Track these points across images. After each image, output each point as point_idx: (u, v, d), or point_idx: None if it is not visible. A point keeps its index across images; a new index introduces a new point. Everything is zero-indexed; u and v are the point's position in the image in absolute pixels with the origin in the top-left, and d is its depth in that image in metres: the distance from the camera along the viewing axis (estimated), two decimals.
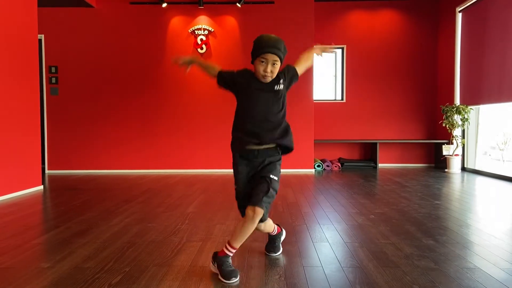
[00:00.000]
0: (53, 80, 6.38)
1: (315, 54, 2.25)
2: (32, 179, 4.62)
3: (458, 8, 6.45)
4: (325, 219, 3.14)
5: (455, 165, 6.14)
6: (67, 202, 3.89)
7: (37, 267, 2.09)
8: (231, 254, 1.97)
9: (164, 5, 6.30)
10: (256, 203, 1.92)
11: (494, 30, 5.58)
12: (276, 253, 2.29)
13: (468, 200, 4.03)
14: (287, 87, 2.10)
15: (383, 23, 7.14)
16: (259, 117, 2.04)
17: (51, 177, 5.89)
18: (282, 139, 2.06)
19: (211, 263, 2.02)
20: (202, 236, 2.67)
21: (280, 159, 2.11)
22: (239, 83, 2.12)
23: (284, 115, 2.10)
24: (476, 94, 6.02)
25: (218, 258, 1.96)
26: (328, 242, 2.53)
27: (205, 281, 1.89)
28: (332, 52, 2.23)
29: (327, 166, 6.72)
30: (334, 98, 7.30)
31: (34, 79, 4.66)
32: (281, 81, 2.06)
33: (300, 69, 2.17)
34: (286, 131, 2.08)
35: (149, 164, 6.42)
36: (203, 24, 6.37)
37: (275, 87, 2.05)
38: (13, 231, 2.83)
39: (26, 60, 4.51)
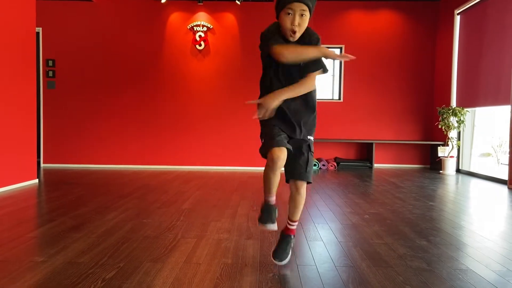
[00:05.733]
0: (50, 73, 6.35)
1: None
2: (27, 172, 4.60)
3: (456, 10, 6.47)
4: (320, 218, 3.15)
5: (450, 167, 6.17)
6: (62, 196, 3.88)
7: (31, 261, 2.09)
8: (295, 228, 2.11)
9: (163, 0, 6.28)
10: (305, 178, 1.96)
11: (491, 33, 5.61)
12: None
13: (462, 202, 4.05)
14: None
15: (381, 23, 7.15)
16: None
17: (47, 170, 5.87)
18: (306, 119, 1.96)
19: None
20: (197, 232, 2.67)
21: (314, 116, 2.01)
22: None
23: (314, 96, 1.96)
24: (473, 97, 6.05)
25: (283, 235, 2.09)
26: (322, 241, 2.54)
27: (199, 277, 1.90)
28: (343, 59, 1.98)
29: (323, 165, 6.73)
30: (331, 98, 7.31)
31: (31, 72, 4.64)
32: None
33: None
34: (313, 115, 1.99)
35: (146, 159, 6.41)
36: (202, 20, 6.36)
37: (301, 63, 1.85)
38: (7, 225, 2.82)
39: (23, 53, 4.48)
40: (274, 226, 1.94)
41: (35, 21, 4.70)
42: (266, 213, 1.94)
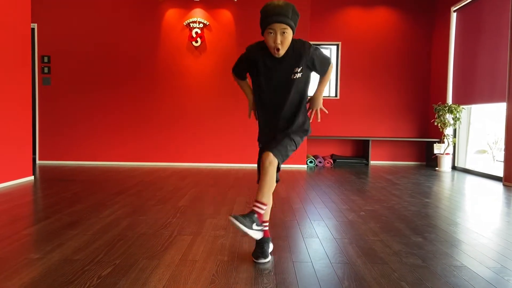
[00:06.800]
0: (46, 70, 6.32)
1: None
2: (23, 169, 4.58)
3: (453, 7, 6.48)
4: (316, 215, 3.16)
5: (445, 164, 6.20)
6: (57, 193, 3.87)
7: (26, 258, 2.08)
8: (262, 212, 1.91)
9: None
10: (270, 149, 1.94)
11: (487, 31, 5.62)
12: (264, 259, 2.07)
13: (458, 199, 4.07)
14: (308, 74, 2.04)
15: (378, 20, 7.15)
16: (271, 104, 2.05)
17: (42, 167, 5.85)
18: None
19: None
20: (193, 230, 2.67)
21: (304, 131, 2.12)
22: (256, 62, 2.02)
23: (302, 106, 2.06)
24: (468, 94, 6.07)
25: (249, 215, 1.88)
26: (318, 238, 2.55)
27: (195, 274, 1.90)
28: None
29: (319, 162, 6.74)
30: (328, 95, 7.31)
31: (26, 69, 4.61)
32: (300, 69, 1.98)
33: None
34: (301, 125, 2.09)
35: (142, 156, 6.40)
36: (198, 17, 6.33)
37: (292, 75, 1.97)
38: (3, 222, 2.81)
39: (18, 49, 4.45)
40: (265, 260, 2.06)
41: (30, 17, 4.67)
42: (258, 247, 2.09)
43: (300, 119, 2.07)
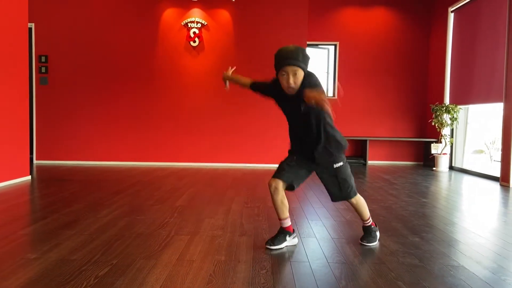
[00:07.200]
0: (43, 69, 6.30)
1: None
2: (20, 169, 4.57)
3: (450, 8, 6.49)
4: (314, 215, 3.16)
5: (443, 164, 6.21)
6: (55, 193, 3.86)
7: (23, 258, 2.08)
8: (370, 222, 2.46)
9: None
10: (338, 199, 2.38)
11: (485, 31, 5.63)
12: (270, 245, 2.29)
13: (455, 199, 4.08)
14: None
15: (376, 20, 7.16)
16: (296, 131, 2.30)
17: (39, 167, 5.83)
18: (322, 153, 2.24)
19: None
20: (190, 229, 2.67)
21: (339, 161, 2.31)
22: (275, 94, 2.28)
23: (321, 130, 2.20)
24: (466, 94, 6.08)
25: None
26: (315, 237, 2.55)
27: (193, 274, 1.90)
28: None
29: None
30: (326, 95, 7.30)
31: (23, 68, 4.60)
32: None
33: None
34: (326, 147, 2.24)
35: (139, 156, 6.39)
36: (196, 17, 6.33)
37: (302, 106, 2.11)
38: (0, 222, 2.80)
39: (15, 49, 4.44)
40: (272, 247, 2.27)
41: (27, 17, 4.65)
42: (275, 235, 2.33)
43: (325, 144, 2.22)
